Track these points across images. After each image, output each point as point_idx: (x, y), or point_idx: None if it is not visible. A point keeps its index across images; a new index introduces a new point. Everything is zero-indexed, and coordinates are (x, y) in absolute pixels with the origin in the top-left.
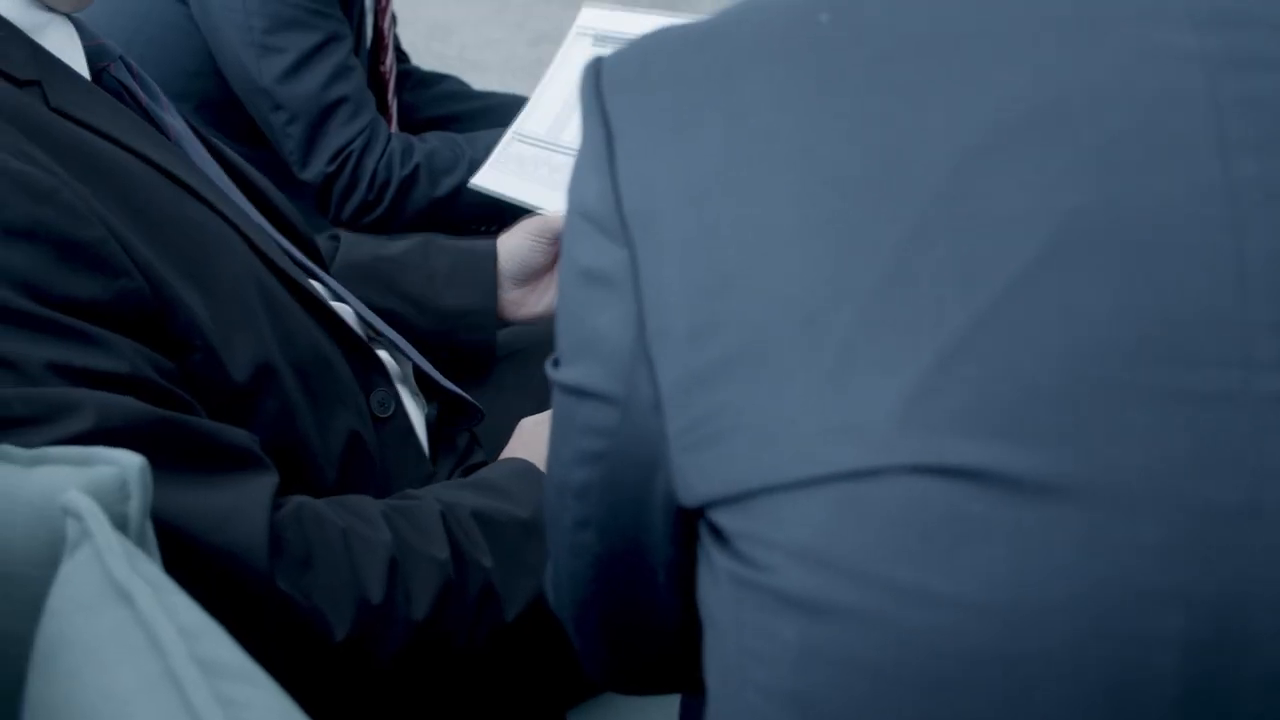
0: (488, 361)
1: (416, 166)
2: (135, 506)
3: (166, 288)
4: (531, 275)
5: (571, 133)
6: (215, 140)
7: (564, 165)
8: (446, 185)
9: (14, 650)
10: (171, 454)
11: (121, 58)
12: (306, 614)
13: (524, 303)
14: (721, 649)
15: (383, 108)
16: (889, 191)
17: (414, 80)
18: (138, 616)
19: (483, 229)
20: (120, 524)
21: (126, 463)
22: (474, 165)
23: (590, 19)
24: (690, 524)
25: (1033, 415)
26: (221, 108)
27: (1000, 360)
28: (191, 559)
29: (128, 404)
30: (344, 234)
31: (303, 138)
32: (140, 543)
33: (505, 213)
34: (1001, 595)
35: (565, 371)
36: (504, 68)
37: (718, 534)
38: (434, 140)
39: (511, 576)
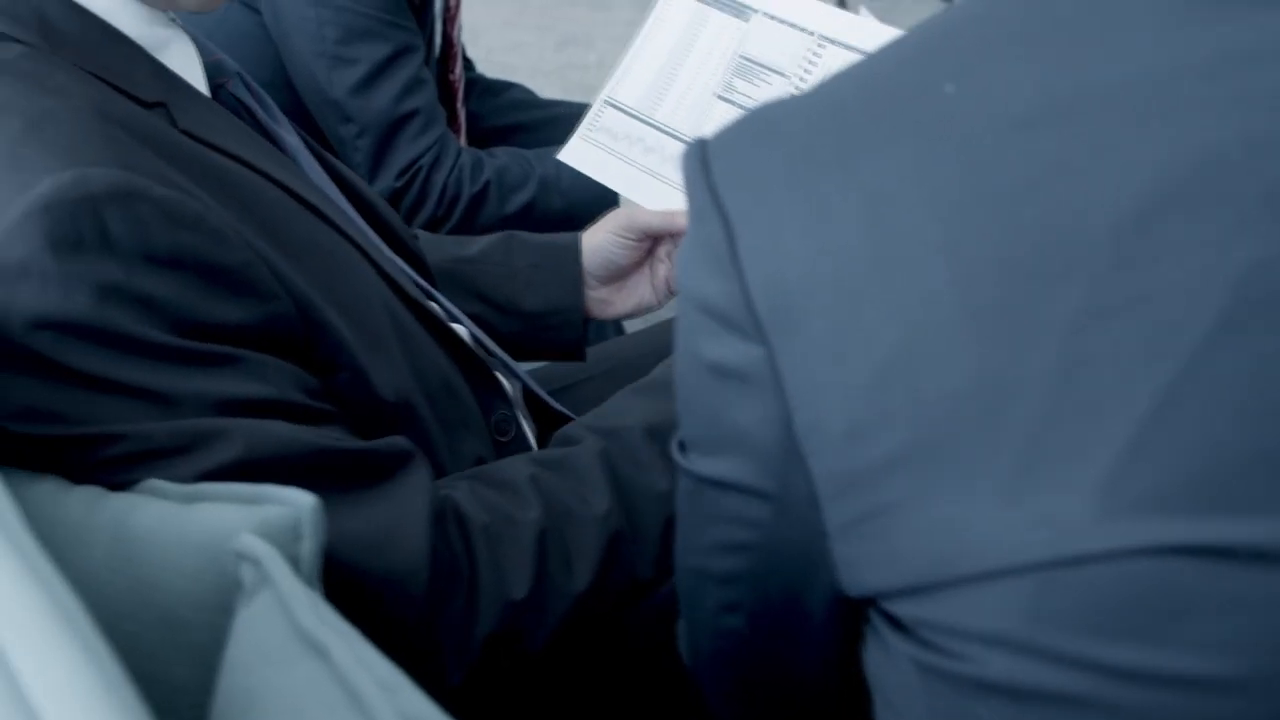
0: (577, 356)
1: (487, 183)
2: (308, 548)
3: (314, 309)
4: (618, 274)
5: (667, 111)
6: (328, 155)
7: (658, 146)
8: (516, 203)
9: (183, 700)
10: (323, 477)
11: (239, 73)
12: (439, 635)
13: (611, 301)
14: None
15: (452, 117)
16: (1052, 269)
17: (480, 88)
18: (333, 671)
19: None
20: (291, 566)
21: (300, 503)
22: (544, 182)
23: None
24: (854, 607)
25: (1236, 484)
26: (294, 120)
27: (1195, 432)
28: (344, 588)
29: (277, 430)
30: (421, 234)
31: (371, 151)
32: (311, 586)
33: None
34: (1233, 666)
35: (703, 464)
36: (532, 71)
37: (894, 621)
38: (503, 156)
39: None
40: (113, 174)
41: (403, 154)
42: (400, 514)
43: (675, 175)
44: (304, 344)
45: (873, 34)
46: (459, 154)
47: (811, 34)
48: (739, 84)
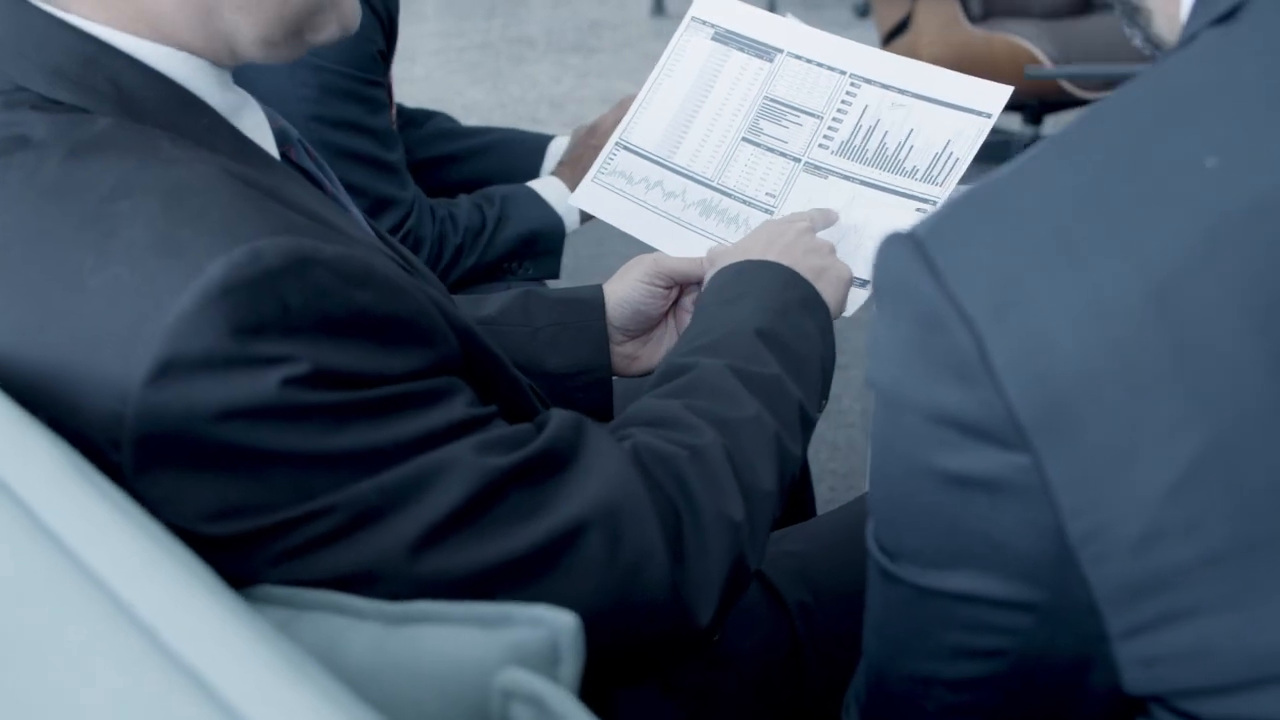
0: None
1: (460, 245)
2: (568, 672)
3: (474, 337)
4: (646, 325)
5: (687, 154)
6: (378, 227)
7: (679, 191)
8: (491, 249)
9: None
10: (526, 482)
11: (300, 141)
12: (685, 583)
13: (638, 356)
14: None
15: None
16: None
17: (403, 120)
18: None
19: (509, 266)
20: None
21: (556, 623)
22: (500, 221)
23: (708, 10)
24: (1130, 702)
25: None
26: None
27: None
28: (590, 569)
29: (467, 459)
30: None
31: None
32: None
33: (536, 245)
34: None
35: (934, 577)
36: None
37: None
38: (464, 203)
39: (800, 374)
40: (283, 243)
41: (382, 221)
42: (602, 480)
43: (700, 221)
44: (468, 372)
45: (909, 73)
46: (432, 209)
47: (844, 74)
48: (766, 126)
